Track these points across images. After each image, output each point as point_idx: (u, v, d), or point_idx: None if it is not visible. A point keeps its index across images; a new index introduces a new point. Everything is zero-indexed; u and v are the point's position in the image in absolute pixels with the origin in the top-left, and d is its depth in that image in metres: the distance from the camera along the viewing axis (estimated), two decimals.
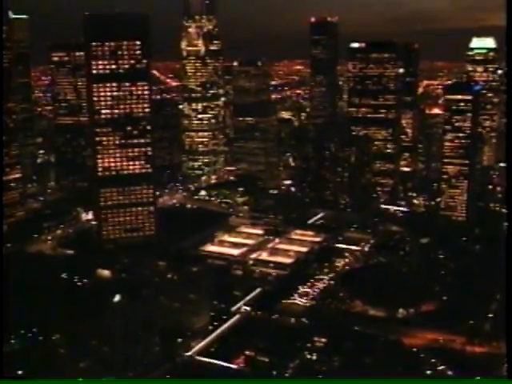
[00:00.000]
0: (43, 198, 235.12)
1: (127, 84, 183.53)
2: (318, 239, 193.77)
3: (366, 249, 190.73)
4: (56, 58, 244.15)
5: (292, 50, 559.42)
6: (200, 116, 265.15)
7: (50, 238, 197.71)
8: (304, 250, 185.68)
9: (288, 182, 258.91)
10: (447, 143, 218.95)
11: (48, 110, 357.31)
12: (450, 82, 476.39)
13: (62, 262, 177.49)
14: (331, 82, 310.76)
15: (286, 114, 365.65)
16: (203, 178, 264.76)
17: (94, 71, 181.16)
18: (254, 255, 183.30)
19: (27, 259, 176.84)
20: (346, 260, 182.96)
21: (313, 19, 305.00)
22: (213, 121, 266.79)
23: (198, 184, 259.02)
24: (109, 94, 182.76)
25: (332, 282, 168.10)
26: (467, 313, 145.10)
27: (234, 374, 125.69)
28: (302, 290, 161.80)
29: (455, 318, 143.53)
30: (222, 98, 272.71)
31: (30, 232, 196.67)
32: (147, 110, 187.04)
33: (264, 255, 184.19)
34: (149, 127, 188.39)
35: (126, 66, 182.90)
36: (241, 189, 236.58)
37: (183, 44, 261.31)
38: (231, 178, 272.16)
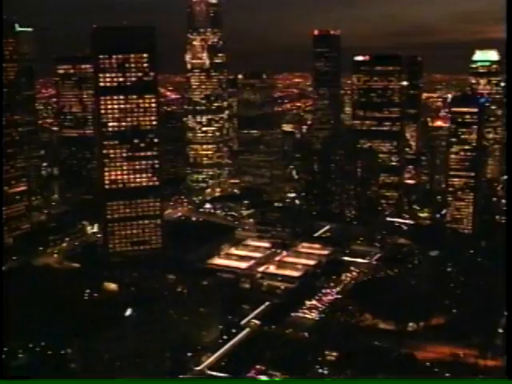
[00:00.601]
0: (47, 211, 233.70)
1: (134, 97, 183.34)
2: (325, 252, 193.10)
3: (374, 262, 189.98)
4: (61, 71, 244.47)
5: (291, 63, 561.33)
6: (204, 129, 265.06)
7: (56, 251, 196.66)
8: (312, 262, 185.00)
9: (292, 194, 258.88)
10: (453, 156, 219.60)
11: (49, 122, 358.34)
12: (449, 94, 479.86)
13: (69, 276, 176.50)
14: (334, 95, 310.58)
15: (287, 127, 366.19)
16: (207, 190, 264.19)
17: (102, 84, 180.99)
18: (261, 268, 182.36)
19: (34, 272, 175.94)
20: (354, 273, 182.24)
21: (316, 32, 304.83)
22: (217, 133, 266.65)
23: (203, 197, 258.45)
24: (116, 106, 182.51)
25: (341, 295, 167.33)
26: (478, 326, 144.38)
27: None
28: (310, 303, 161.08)
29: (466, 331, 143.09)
30: (227, 111, 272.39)
31: (35, 245, 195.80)
32: (154, 122, 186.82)
33: (272, 268, 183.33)
34: (156, 140, 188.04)
35: (134, 79, 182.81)
36: (246, 202, 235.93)
37: (187, 57, 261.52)
38: (235, 190, 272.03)
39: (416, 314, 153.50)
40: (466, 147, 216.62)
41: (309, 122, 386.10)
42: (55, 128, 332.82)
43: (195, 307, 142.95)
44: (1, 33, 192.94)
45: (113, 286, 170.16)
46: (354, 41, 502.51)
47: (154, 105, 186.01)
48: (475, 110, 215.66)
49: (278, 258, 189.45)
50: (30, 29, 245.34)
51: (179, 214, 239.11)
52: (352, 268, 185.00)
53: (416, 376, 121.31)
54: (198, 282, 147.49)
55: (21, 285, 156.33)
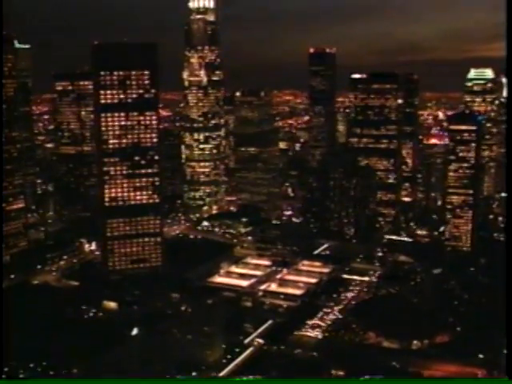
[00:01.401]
0: (44, 229, 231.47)
1: (135, 114, 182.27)
2: (326, 270, 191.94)
3: (375, 279, 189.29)
4: (60, 88, 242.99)
5: (281, 80, 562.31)
6: (202, 146, 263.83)
7: (54, 268, 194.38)
8: (313, 280, 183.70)
9: (288, 212, 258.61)
10: (451, 173, 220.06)
11: (42, 139, 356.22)
12: (440, 112, 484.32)
13: (69, 294, 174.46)
14: (330, 113, 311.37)
15: (281, 145, 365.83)
16: (204, 208, 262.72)
17: (102, 100, 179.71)
18: (263, 286, 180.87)
19: (33, 291, 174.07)
20: (356, 291, 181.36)
21: (312, 50, 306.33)
22: (214, 151, 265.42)
23: (200, 214, 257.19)
24: (117, 123, 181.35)
25: (343, 313, 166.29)
26: (483, 344, 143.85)
27: None
28: (313, 321, 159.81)
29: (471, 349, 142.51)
30: (224, 128, 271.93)
31: (33, 263, 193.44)
32: (155, 139, 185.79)
33: (273, 286, 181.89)
34: (156, 157, 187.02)
35: (135, 96, 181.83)
36: (244, 219, 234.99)
37: (185, 74, 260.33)
38: (231, 208, 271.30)
39: (420, 332, 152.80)
40: (465, 165, 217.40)
41: (301, 140, 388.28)
42: (49, 145, 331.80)
43: (199, 326, 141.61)
44: (1, 48, 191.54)
45: (112, 305, 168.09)
46: (345, 59, 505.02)
47: (154, 122, 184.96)
48: (473, 127, 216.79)
49: (279, 276, 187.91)
50: (27, 45, 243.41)
51: (177, 231, 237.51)
52: (353, 286, 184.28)
53: None
54: (202, 300, 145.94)
55: (20, 303, 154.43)
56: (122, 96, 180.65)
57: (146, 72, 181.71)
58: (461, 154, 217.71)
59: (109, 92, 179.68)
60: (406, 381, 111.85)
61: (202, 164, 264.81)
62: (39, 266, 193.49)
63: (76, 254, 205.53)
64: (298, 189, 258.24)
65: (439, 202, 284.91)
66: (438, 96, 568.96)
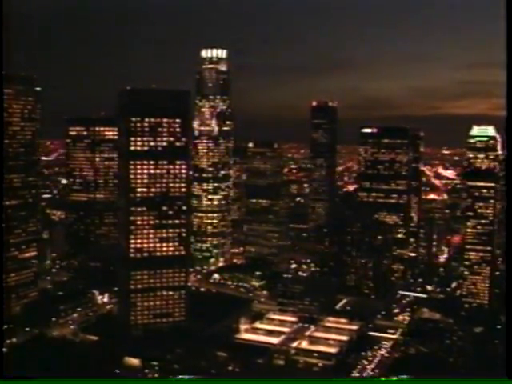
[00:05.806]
0: (50, 278, 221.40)
1: (165, 162, 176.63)
2: (354, 327, 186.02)
3: (403, 337, 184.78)
4: (73, 133, 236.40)
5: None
6: (210, 196, 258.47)
7: (70, 322, 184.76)
8: (344, 338, 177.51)
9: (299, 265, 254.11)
10: (469, 229, 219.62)
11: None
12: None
13: (89, 349, 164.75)
14: (331, 165, 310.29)
15: None
16: (211, 260, 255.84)
17: (132, 148, 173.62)
18: (294, 344, 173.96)
19: (51, 345, 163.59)
20: (385, 349, 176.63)
21: (314, 103, 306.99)
22: (223, 202, 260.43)
23: (207, 266, 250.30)
24: (146, 171, 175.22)
25: (378, 372, 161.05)
26: None
27: None
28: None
29: None
30: (232, 179, 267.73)
31: (47, 315, 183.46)
32: (184, 189, 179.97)
33: (304, 344, 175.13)
34: (184, 207, 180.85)
35: (165, 144, 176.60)
36: (257, 273, 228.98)
37: (195, 123, 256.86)
38: (237, 260, 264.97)
39: None
40: (483, 221, 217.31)
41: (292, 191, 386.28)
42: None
43: None
44: (1, 84, 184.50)
45: (135, 361, 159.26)
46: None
47: (184, 171, 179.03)
48: (492, 184, 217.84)
49: (308, 333, 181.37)
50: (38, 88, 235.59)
51: (188, 284, 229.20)
52: (382, 343, 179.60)
53: None
54: (251, 360, 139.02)
55: (39, 359, 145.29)
56: (152, 144, 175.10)
57: (178, 120, 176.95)
58: (479, 211, 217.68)
59: (139, 139, 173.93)
60: (406, 381, 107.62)
61: (209, 215, 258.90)
62: (54, 319, 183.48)
63: (89, 306, 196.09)
64: (306, 242, 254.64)
65: (441, 258, 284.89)
66: None
